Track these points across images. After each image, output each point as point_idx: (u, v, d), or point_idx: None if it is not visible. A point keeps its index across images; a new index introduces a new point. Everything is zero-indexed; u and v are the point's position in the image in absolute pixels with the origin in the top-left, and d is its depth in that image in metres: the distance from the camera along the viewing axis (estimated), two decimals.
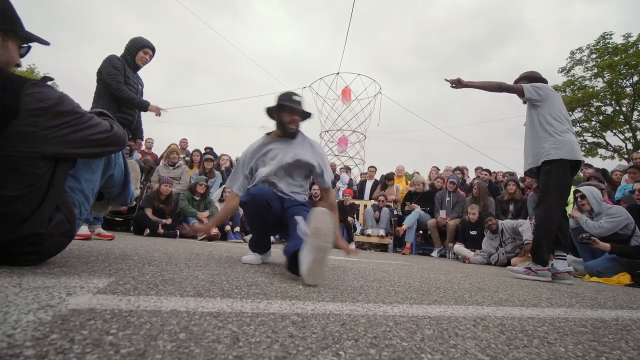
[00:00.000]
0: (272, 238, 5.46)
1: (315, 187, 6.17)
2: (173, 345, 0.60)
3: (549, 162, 2.80)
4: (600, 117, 17.36)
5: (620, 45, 15.45)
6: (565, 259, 2.85)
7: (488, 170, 7.31)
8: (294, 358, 0.60)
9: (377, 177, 7.96)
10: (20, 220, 1.13)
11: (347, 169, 9.75)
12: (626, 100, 16.36)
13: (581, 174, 6.41)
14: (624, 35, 15.47)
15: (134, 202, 4.90)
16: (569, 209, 5.12)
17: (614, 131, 17.10)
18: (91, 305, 0.80)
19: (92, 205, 1.55)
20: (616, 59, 15.32)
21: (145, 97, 3.56)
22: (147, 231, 4.72)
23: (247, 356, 0.58)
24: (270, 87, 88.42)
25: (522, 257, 4.47)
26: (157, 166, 6.12)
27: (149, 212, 4.92)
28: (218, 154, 7.63)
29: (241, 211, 5.79)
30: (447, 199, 6.22)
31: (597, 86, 16.73)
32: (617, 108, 16.71)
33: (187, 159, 7.00)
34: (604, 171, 6.06)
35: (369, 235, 6.42)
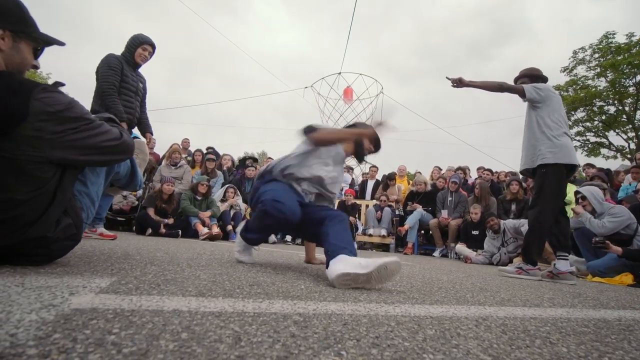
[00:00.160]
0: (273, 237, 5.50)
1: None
2: (175, 345, 0.60)
3: (544, 165, 2.82)
4: (603, 117, 17.30)
5: (623, 45, 15.40)
6: (567, 259, 2.85)
7: (490, 170, 7.29)
8: (296, 358, 0.60)
9: (379, 176, 7.95)
10: (28, 223, 1.14)
11: (349, 169, 9.75)
12: (629, 100, 16.31)
13: (584, 174, 6.39)
14: (626, 35, 15.44)
15: (142, 188, 4.92)
16: (570, 210, 5.11)
17: (617, 131, 17.05)
18: (94, 304, 0.81)
19: (105, 188, 1.57)
20: (619, 58, 15.28)
21: (146, 98, 3.58)
22: (149, 231, 4.73)
23: (249, 356, 0.58)
24: (271, 86, 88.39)
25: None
26: (159, 166, 6.14)
27: (151, 211, 4.94)
28: (220, 153, 7.64)
29: (242, 211, 5.80)
30: (449, 198, 6.21)
31: (599, 86, 16.69)
32: (620, 108, 16.65)
33: (189, 158, 7.01)
34: (607, 171, 6.03)
35: (370, 235, 6.42)
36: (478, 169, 7.64)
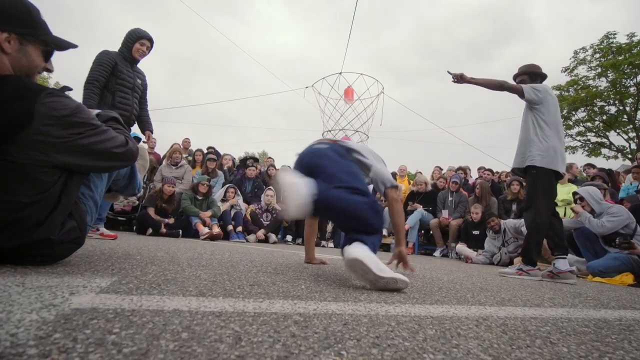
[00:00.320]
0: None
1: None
2: (175, 345, 0.60)
3: (534, 166, 2.84)
4: (604, 117, 17.27)
5: (624, 45, 15.37)
6: (565, 258, 2.85)
7: (491, 170, 7.29)
8: (296, 358, 0.60)
9: None
10: (32, 225, 1.14)
11: None
12: (630, 100, 16.29)
13: (584, 174, 6.38)
14: (627, 35, 15.41)
15: (141, 192, 4.92)
16: (567, 210, 5.11)
17: (618, 131, 17.02)
18: (94, 304, 0.81)
19: (103, 195, 1.57)
20: (620, 58, 15.26)
21: (147, 97, 3.53)
22: (150, 231, 4.74)
23: (249, 356, 0.58)
24: (271, 86, 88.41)
25: None
26: (159, 166, 6.15)
27: (151, 211, 4.94)
28: (221, 153, 7.64)
29: (243, 211, 5.80)
30: (450, 198, 6.21)
31: (600, 86, 16.66)
32: (621, 108, 16.62)
33: (190, 158, 7.01)
34: (609, 171, 6.02)
35: None
36: (479, 169, 7.64)
